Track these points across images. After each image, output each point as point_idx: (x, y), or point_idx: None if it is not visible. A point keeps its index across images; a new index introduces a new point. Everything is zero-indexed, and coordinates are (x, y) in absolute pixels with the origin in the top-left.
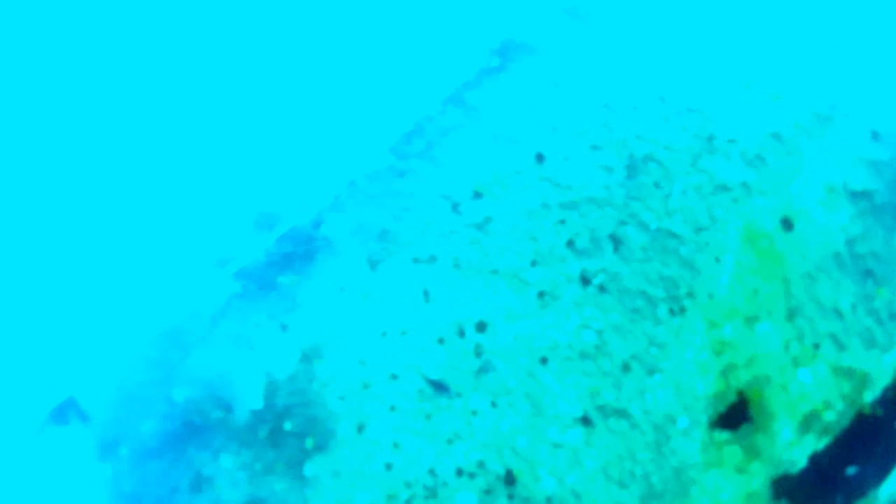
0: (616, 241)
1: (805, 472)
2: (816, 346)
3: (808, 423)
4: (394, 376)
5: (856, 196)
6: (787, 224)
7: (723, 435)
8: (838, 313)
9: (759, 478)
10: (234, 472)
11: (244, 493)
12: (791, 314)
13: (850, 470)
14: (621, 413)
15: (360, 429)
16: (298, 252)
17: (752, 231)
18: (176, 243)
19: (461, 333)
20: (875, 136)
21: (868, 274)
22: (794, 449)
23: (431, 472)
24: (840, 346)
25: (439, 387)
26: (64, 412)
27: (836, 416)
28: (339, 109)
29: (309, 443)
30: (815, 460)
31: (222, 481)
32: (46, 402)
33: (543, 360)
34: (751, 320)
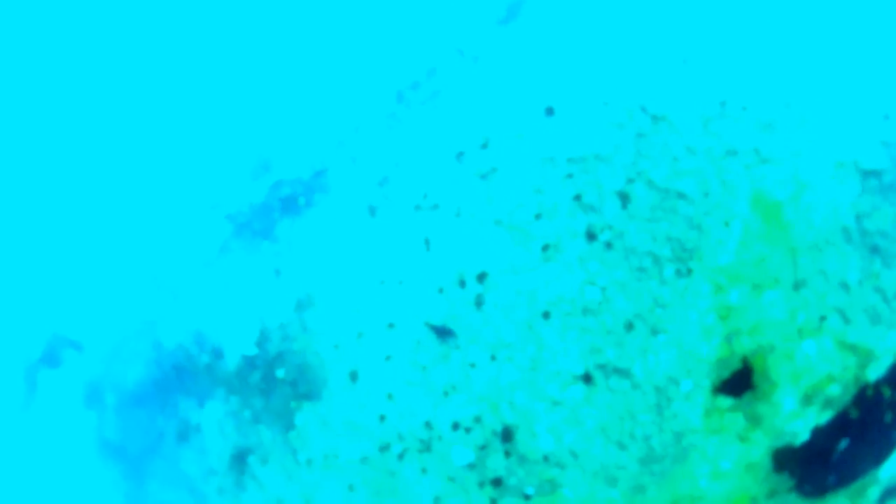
0: (624, 198)
1: (807, 446)
2: (822, 319)
3: (811, 395)
4: (391, 325)
5: (866, 174)
6: (796, 194)
7: (726, 401)
8: (845, 287)
9: (760, 448)
10: (221, 420)
11: (232, 441)
12: (798, 284)
13: (843, 444)
14: (623, 372)
15: (354, 378)
16: (296, 197)
17: (762, 198)
18: (172, 189)
19: (462, 284)
20: (887, 117)
21: (875, 251)
22: (796, 421)
23: (427, 425)
24: (846, 320)
25: (444, 332)
26: (54, 352)
27: (839, 390)
28: (344, 56)
29: (300, 391)
30: (817, 435)
31: (210, 429)
32: (34, 347)
33: (545, 315)
34: (757, 287)
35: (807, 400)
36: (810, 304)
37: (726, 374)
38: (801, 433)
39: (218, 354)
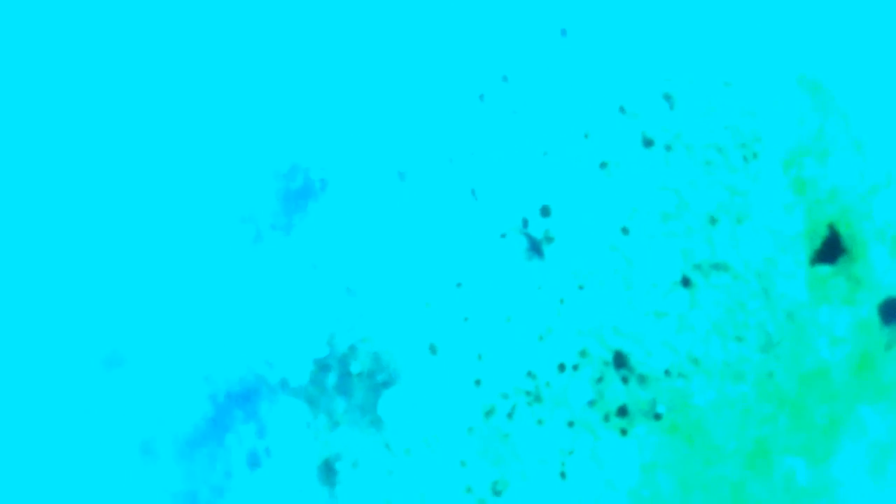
0: (670, 98)
1: None
2: (890, 174)
3: None
4: (459, 285)
5: None
6: (835, 66)
7: (824, 269)
8: None
9: (866, 305)
10: (296, 435)
11: (314, 452)
12: (858, 145)
13: None
14: (721, 266)
15: (434, 350)
16: (308, 187)
17: (806, 77)
18: (199, 204)
19: (525, 223)
20: None
21: None
22: (892, 271)
23: (530, 375)
24: None
25: (535, 248)
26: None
27: None
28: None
29: (379, 380)
30: None
31: (284, 448)
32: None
33: (624, 231)
34: (822, 155)
35: None
36: (875, 162)
37: (818, 243)
38: None
39: (287, 367)
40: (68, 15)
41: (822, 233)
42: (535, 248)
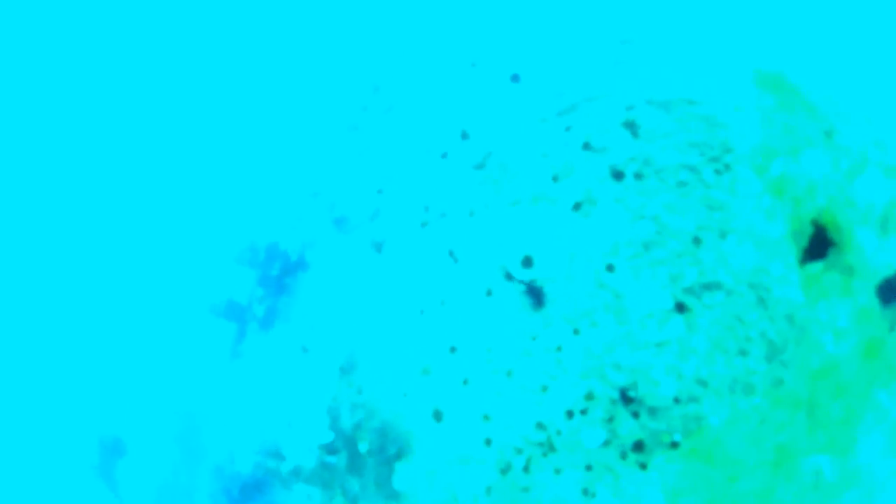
0: (632, 126)
1: None
2: (864, 157)
3: (884, 224)
4: (453, 349)
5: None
6: (791, 58)
7: (816, 266)
8: (870, 120)
9: (864, 292)
10: None
11: None
12: (828, 135)
13: None
14: (712, 286)
15: (438, 417)
16: (286, 270)
17: (763, 75)
18: (165, 292)
19: (509, 277)
20: None
21: (877, 77)
22: (883, 253)
23: (540, 426)
24: (884, 147)
25: (537, 297)
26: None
27: None
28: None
29: (390, 454)
30: None
31: None
32: None
33: (610, 268)
34: (794, 152)
35: (883, 230)
36: (848, 148)
37: (805, 242)
38: (892, 261)
39: (296, 455)
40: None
41: (808, 230)
42: (536, 295)
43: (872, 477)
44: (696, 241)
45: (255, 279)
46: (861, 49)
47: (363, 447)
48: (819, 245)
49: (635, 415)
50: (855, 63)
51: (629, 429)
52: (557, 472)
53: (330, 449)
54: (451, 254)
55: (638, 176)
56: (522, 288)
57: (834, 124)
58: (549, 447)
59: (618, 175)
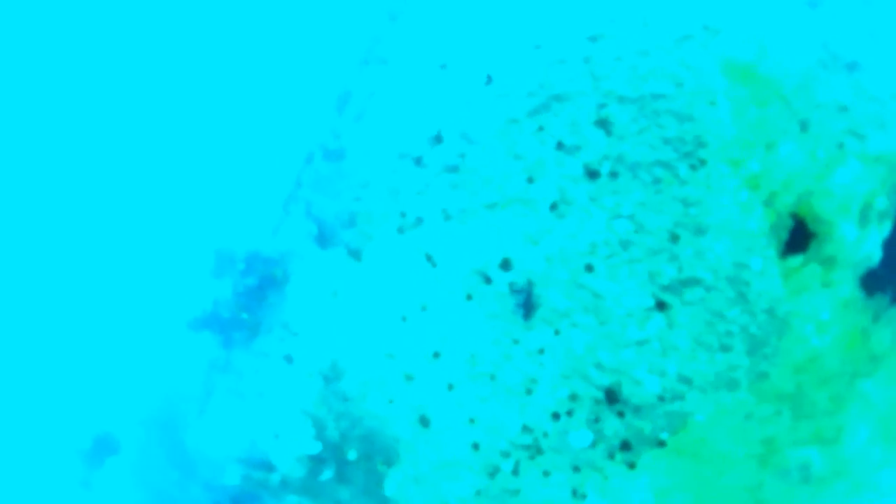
0: (604, 124)
1: (884, 261)
2: (840, 146)
3: (864, 215)
4: (436, 354)
5: (813, 3)
6: (761, 50)
7: (796, 259)
8: (844, 109)
9: (846, 283)
10: None
11: None
12: (803, 125)
13: None
14: (691, 282)
15: (425, 423)
16: (266, 280)
17: (733, 65)
18: (139, 303)
19: (487, 280)
20: None
21: (853, 67)
22: (864, 244)
23: (526, 429)
24: (860, 137)
25: (527, 302)
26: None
27: (886, 200)
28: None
29: (379, 461)
30: (888, 246)
31: None
32: None
33: (588, 268)
34: (770, 145)
35: (863, 221)
36: (822, 137)
37: (785, 235)
38: (873, 252)
39: (272, 468)
40: None
41: (787, 223)
42: (527, 301)
43: (860, 467)
44: (674, 237)
45: (235, 290)
46: (832, 36)
47: (351, 455)
48: (799, 237)
49: (620, 414)
50: (827, 51)
51: (615, 428)
52: (546, 474)
53: (318, 459)
54: (429, 258)
55: (613, 174)
56: (519, 300)
57: (808, 115)
58: (536, 450)
59: (593, 174)
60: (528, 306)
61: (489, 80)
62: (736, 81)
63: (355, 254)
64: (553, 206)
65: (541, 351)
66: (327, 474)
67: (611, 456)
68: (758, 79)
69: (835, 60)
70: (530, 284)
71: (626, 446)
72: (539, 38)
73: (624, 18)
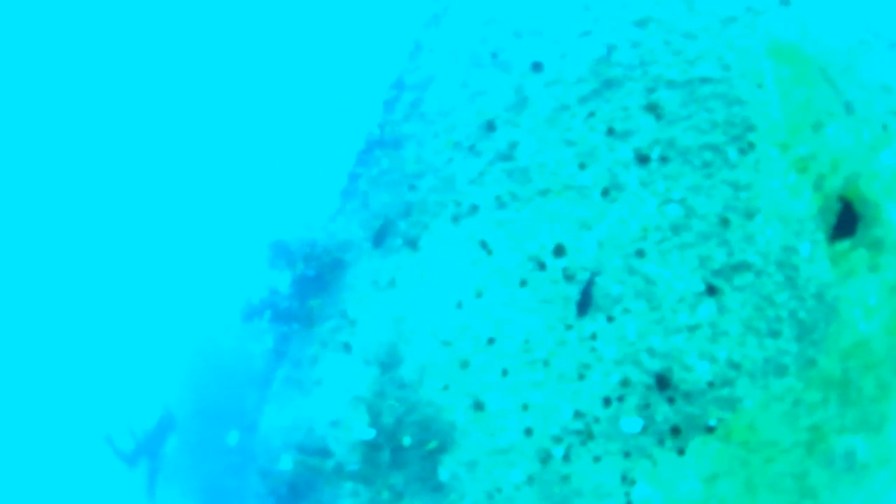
0: (654, 109)
1: None
2: (885, 127)
3: None
4: (491, 340)
5: None
6: (803, 30)
7: (844, 244)
8: (887, 89)
9: (893, 268)
10: None
11: None
12: (848, 107)
13: None
14: (741, 266)
15: (479, 407)
16: (325, 270)
17: (778, 46)
18: (198, 296)
19: (542, 266)
20: None
21: (895, 45)
22: None
23: (578, 415)
24: None
25: (585, 299)
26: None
27: None
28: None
29: (433, 446)
30: None
31: None
32: None
33: (639, 253)
34: (816, 127)
35: None
36: (868, 119)
37: (832, 218)
38: None
39: (329, 454)
40: None
41: (834, 207)
42: (586, 296)
43: None
44: (724, 221)
45: (293, 280)
46: (874, 15)
47: (406, 441)
48: (847, 221)
49: (671, 400)
50: (869, 30)
51: (665, 414)
52: (597, 459)
53: (373, 445)
54: (483, 246)
55: (664, 159)
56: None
57: (853, 96)
58: (588, 435)
59: (643, 159)
60: (584, 303)
61: (540, 67)
62: (781, 62)
63: (411, 242)
64: (605, 192)
65: (593, 336)
66: (382, 460)
67: (660, 442)
68: (802, 59)
69: (877, 39)
70: (592, 279)
71: (675, 432)
72: (587, 24)
73: (670, 2)
